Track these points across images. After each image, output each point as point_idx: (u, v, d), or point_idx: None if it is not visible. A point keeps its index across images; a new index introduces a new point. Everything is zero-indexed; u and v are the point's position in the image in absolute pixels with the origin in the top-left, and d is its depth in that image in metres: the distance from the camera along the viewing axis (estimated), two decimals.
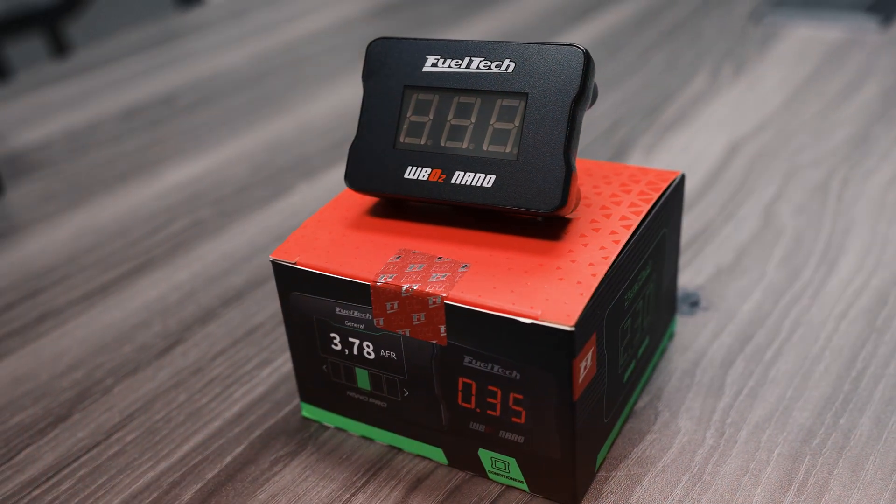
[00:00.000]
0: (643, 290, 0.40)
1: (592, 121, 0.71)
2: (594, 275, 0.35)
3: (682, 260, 0.52)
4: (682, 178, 0.43)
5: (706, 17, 0.92)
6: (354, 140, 0.40)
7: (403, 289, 0.36)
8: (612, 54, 0.85)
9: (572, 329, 0.33)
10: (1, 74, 1.53)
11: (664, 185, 0.41)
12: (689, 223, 0.56)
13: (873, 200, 0.57)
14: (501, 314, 0.34)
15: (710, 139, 0.67)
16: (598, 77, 0.80)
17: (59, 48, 1.60)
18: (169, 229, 0.61)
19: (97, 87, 0.90)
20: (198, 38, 1.02)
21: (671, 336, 0.46)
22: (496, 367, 0.35)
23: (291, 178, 0.67)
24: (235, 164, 0.70)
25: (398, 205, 0.41)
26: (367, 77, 0.40)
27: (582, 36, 0.90)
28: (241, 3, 1.15)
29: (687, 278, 0.51)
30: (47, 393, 0.46)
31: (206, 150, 0.73)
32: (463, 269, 0.36)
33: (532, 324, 0.34)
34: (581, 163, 0.43)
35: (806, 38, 0.84)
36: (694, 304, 0.49)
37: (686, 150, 0.65)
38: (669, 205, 0.41)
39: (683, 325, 0.47)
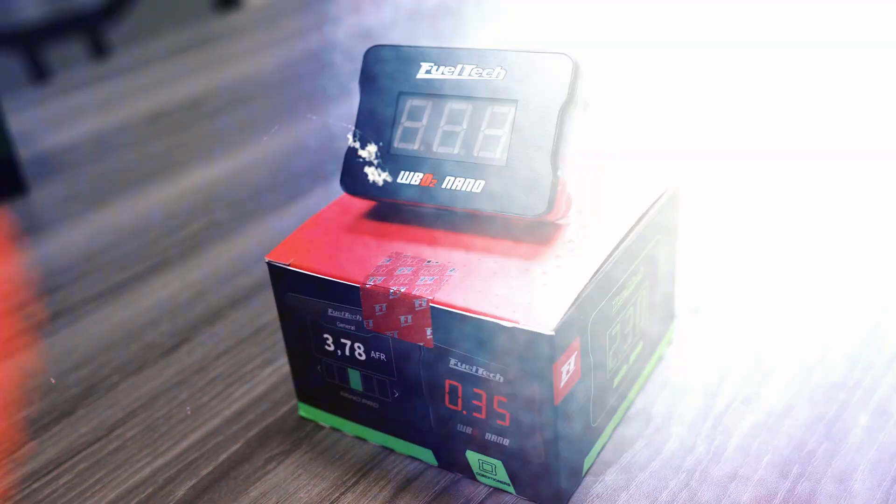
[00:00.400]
0: (634, 296, 0.40)
1: (611, 126, 0.71)
2: (579, 280, 0.35)
3: (688, 266, 0.52)
4: (679, 185, 0.43)
5: (732, 25, 0.92)
6: (350, 144, 0.41)
7: (391, 291, 0.36)
8: (641, 62, 0.85)
9: (552, 334, 0.33)
10: (41, 76, 1.56)
11: (659, 192, 0.41)
12: (698, 230, 0.56)
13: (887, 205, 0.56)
14: (484, 317, 0.35)
15: (725, 147, 0.66)
16: (627, 85, 0.80)
17: (99, 51, 1.62)
18: (185, 231, 0.62)
19: (128, 90, 0.91)
20: (230, 43, 1.04)
21: (670, 342, 0.46)
22: (480, 370, 0.36)
23: (308, 182, 0.68)
24: (255, 168, 0.71)
25: (394, 209, 0.42)
26: (363, 83, 0.41)
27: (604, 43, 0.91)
28: (275, 8, 1.16)
29: (691, 285, 0.51)
30: (55, 388, 0.47)
31: (227, 153, 0.74)
32: (450, 273, 0.37)
33: (513, 327, 0.34)
34: (577, 169, 0.44)
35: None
36: (696, 310, 0.49)
37: (701, 158, 0.65)
38: (664, 211, 0.41)
39: (684, 332, 0.47)
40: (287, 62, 0.95)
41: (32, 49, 1.52)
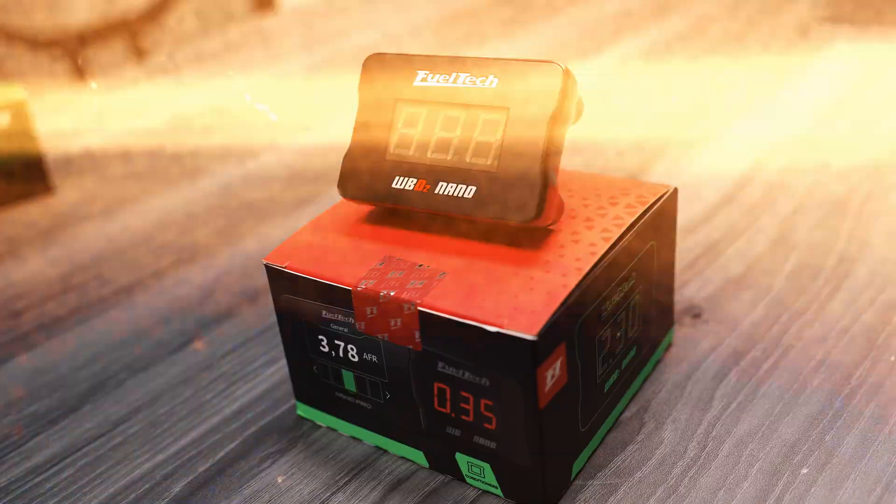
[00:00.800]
0: (626, 302, 0.40)
1: (623, 133, 0.71)
2: (565, 285, 0.36)
3: (691, 272, 0.52)
4: (675, 191, 0.43)
5: (753, 31, 0.91)
6: (348, 150, 0.41)
7: (381, 294, 0.37)
8: (653, 68, 0.85)
9: (534, 338, 0.34)
10: (82, 77, 1.58)
11: (652, 198, 0.41)
12: (705, 235, 0.56)
13: (893, 218, 0.56)
14: (469, 322, 0.35)
15: (739, 151, 0.66)
16: (637, 90, 0.80)
17: (139, 54, 1.65)
18: (202, 231, 0.64)
19: (160, 93, 0.93)
20: (263, 47, 1.05)
21: (667, 347, 0.47)
22: (467, 374, 0.36)
23: (325, 183, 0.69)
24: (276, 169, 0.72)
25: (391, 213, 0.42)
26: (362, 89, 0.42)
27: (624, 49, 0.91)
28: (308, 14, 1.18)
29: (693, 290, 0.51)
30: (64, 384, 0.48)
31: (249, 156, 0.75)
32: (440, 277, 0.37)
33: (497, 332, 0.34)
34: (573, 175, 0.44)
35: (852, 52, 0.83)
36: (696, 316, 0.49)
37: (713, 162, 0.65)
38: (658, 218, 0.42)
39: (682, 337, 0.47)
40: (314, 66, 0.96)
41: (75, 51, 1.55)
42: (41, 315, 0.55)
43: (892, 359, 0.44)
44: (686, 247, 0.55)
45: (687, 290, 0.51)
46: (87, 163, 0.77)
